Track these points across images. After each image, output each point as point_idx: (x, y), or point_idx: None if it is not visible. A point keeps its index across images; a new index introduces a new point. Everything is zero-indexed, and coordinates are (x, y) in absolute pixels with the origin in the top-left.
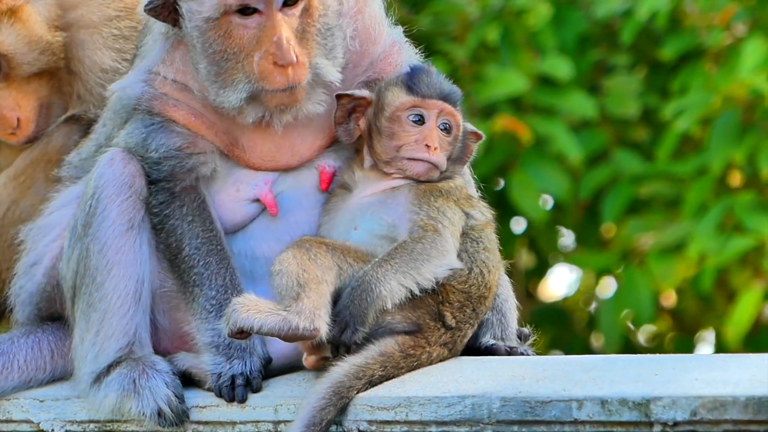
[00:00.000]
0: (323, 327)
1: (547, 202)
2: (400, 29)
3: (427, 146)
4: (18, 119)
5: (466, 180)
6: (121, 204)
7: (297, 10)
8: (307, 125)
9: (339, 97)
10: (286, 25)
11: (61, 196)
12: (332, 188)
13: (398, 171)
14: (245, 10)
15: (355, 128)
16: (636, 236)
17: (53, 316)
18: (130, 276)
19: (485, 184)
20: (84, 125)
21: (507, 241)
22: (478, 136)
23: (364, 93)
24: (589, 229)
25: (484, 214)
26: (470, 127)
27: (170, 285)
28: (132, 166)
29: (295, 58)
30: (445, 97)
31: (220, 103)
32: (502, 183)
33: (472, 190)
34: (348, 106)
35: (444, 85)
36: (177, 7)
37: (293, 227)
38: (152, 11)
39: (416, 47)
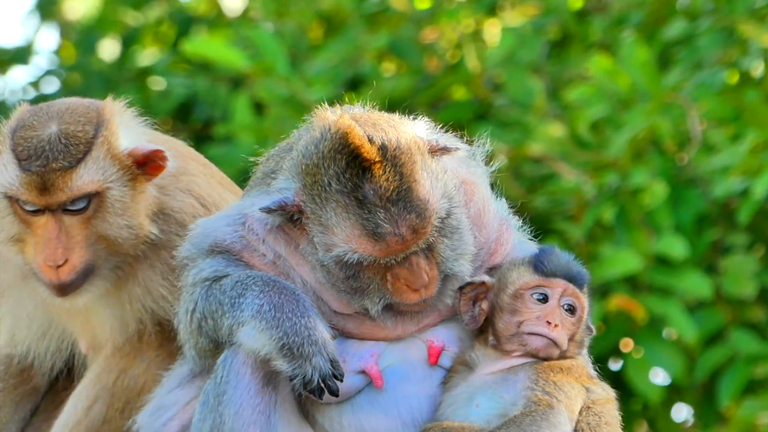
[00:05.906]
0: None
1: (663, 378)
2: (504, 202)
3: (548, 322)
4: None
5: (586, 361)
6: (254, 364)
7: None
8: None
9: (461, 288)
10: (420, 251)
11: (173, 376)
12: (448, 364)
13: (519, 347)
14: None
15: (480, 312)
16: (755, 416)
17: None
18: None
19: (601, 364)
20: None
21: (625, 420)
22: (590, 330)
23: (484, 278)
24: (707, 408)
25: (605, 390)
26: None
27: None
28: None
29: (426, 280)
30: (571, 278)
31: (353, 307)
32: (618, 363)
33: (591, 370)
34: (471, 294)
35: (571, 266)
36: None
37: (401, 401)
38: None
39: (531, 226)
